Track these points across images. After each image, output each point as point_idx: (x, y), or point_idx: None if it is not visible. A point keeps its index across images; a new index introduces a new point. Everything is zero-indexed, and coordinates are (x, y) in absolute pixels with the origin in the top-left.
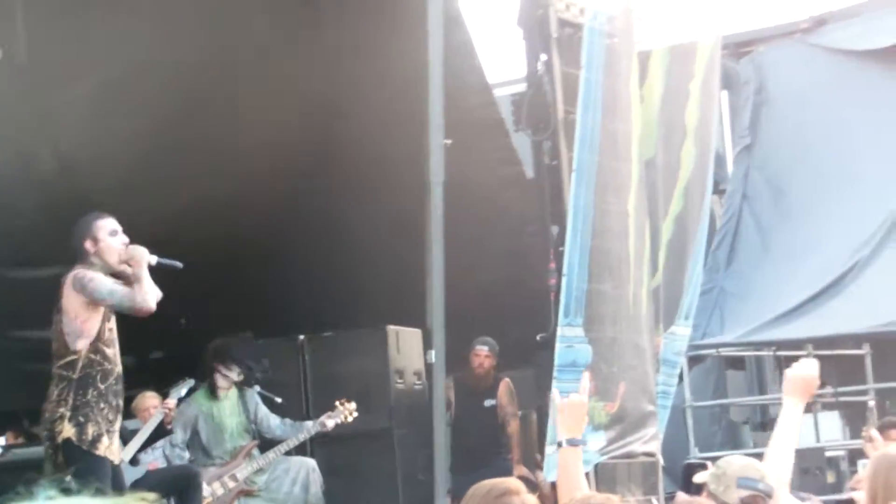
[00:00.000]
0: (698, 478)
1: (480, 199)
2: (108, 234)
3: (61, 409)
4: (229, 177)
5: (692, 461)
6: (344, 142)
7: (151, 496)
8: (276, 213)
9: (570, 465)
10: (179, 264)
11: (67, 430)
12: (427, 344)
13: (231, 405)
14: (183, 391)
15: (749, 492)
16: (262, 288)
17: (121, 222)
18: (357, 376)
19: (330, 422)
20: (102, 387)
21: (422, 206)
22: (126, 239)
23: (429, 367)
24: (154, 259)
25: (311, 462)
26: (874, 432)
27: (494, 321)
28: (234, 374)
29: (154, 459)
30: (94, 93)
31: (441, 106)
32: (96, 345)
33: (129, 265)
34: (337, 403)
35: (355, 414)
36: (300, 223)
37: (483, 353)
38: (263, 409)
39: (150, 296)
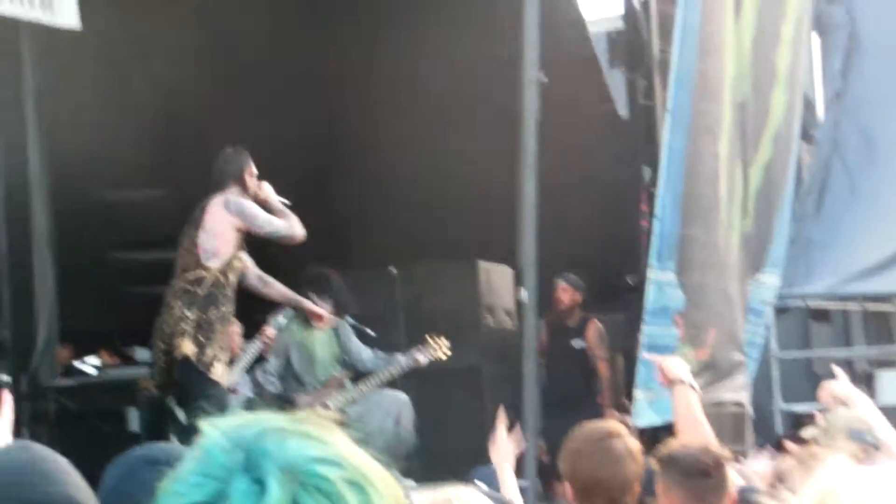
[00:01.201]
0: (806, 433)
1: (573, 137)
2: (254, 173)
3: (182, 325)
4: (323, 109)
5: (796, 412)
6: (437, 76)
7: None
8: (371, 146)
9: (690, 403)
10: (287, 202)
11: (187, 347)
12: (518, 282)
13: (323, 335)
14: (283, 320)
15: (859, 444)
16: (354, 220)
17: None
18: (448, 312)
19: (423, 357)
20: (224, 310)
21: (515, 142)
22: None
23: (519, 305)
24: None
25: (404, 397)
26: None
27: (585, 263)
28: (327, 306)
29: (240, 386)
30: (187, 20)
31: (536, 41)
32: (225, 269)
33: (264, 200)
34: (429, 339)
35: (449, 352)
36: (394, 156)
37: (561, 287)
38: (355, 341)
39: (299, 226)
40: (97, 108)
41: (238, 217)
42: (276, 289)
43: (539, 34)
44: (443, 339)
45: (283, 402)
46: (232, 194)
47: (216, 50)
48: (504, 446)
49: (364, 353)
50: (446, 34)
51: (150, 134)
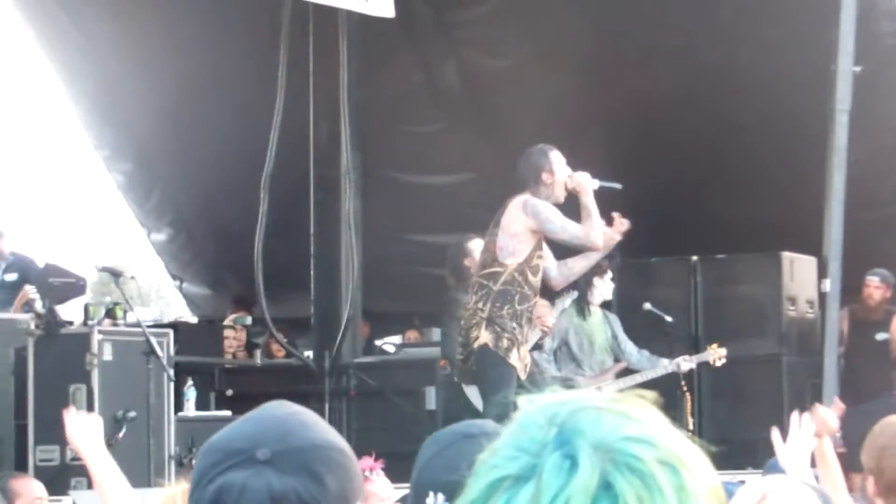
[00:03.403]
0: None
1: (884, 129)
2: (561, 168)
3: (478, 317)
4: (638, 98)
5: None
6: (752, 66)
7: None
8: (681, 135)
9: None
10: (619, 185)
11: (484, 337)
12: (822, 273)
13: (598, 321)
14: (567, 302)
15: None
16: (658, 207)
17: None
18: (748, 301)
19: (686, 365)
20: (519, 308)
21: (824, 133)
22: (569, 170)
23: (822, 296)
24: (596, 184)
25: None
26: None
27: (892, 256)
28: (610, 287)
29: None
30: (498, 7)
31: (852, 32)
32: (523, 267)
33: (576, 192)
34: (709, 348)
35: (724, 360)
36: (702, 145)
37: (873, 284)
38: (623, 334)
39: (599, 233)
40: (407, 97)
41: (533, 219)
42: (580, 265)
43: (854, 25)
44: (721, 348)
45: (562, 384)
46: (533, 194)
47: (541, 42)
48: (799, 449)
49: (629, 347)
50: (761, 24)
51: (455, 122)
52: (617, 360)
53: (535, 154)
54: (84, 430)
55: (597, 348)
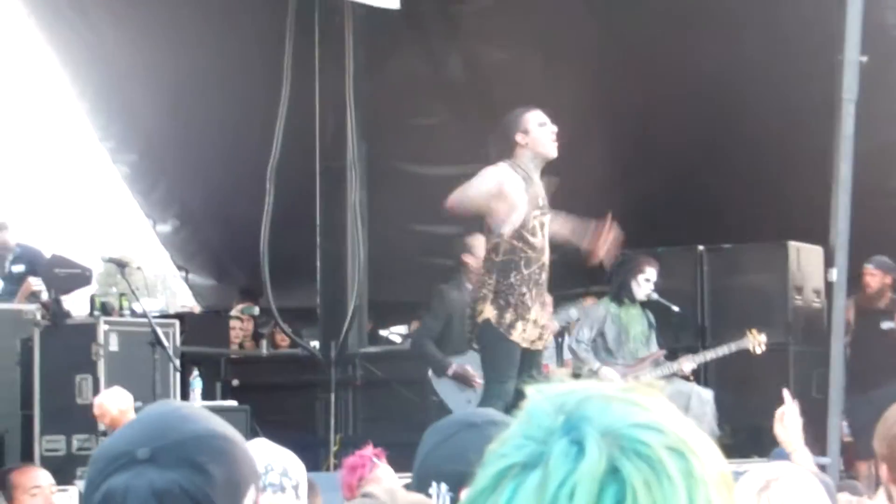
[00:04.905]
0: None
1: (890, 120)
2: (538, 125)
3: (484, 291)
4: (638, 88)
5: None
6: (756, 54)
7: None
8: (686, 124)
9: None
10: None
11: (488, 311)
12: (828, 262)
13: (637, 312)
14: (572, 313)
15: None
16: (664, 197)
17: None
18: (755, 290)
19: (688, 366)
20: (526, 272)
21: (831, 122)
22: (555, 128)
23: (829, 285)
24: None
25: (707, 394)
26: None
27: None
28: (645, 290)
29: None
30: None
31: (859, 21)
32: (519, 232)
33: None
34: (748, 333)
35: (763, 347)
36: (708, 134)
37: (868, 272)
38: (654, 327)
39: (457, 195)
40: (412, 88)
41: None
42: (564, 224)
43: (861, 14)
44: (761, 334)
45: (593, 372)
46: (516, 160)
47: (543, 33)
48: (793, 424)
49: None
50: (767, 13)
51: (459, 114)
52: (656, 349)
53: (508, 118)
54: (115, 399)
55: (631, 338)
